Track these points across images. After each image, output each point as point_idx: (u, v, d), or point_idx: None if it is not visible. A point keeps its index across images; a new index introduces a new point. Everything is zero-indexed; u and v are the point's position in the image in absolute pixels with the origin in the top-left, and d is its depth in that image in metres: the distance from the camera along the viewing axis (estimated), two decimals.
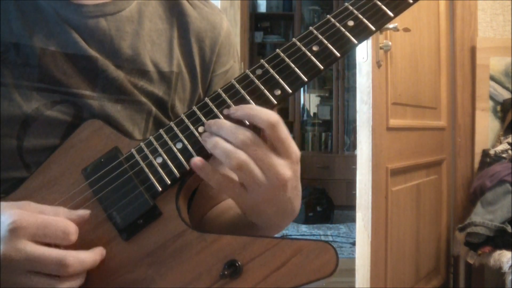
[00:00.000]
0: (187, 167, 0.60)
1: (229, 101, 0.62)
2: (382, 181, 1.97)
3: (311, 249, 0.55)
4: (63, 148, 0.64)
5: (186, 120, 0.63)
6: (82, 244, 0.56)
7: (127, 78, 0.69)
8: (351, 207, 3.09)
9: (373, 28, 0.65)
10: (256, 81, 0.63)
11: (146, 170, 0.61)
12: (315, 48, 0.64)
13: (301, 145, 5.24)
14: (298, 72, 0.63)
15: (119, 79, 0.69)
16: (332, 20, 0.65)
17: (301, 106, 5.41)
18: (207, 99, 0.63)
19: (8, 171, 0.64)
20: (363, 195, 1.96)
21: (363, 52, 1.93)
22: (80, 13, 0.69)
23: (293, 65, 0.63)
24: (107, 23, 0.70)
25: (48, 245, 0.53)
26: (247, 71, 0.64)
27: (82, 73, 0.67)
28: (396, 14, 0.66)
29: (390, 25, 1.87)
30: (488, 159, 2.33)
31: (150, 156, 0.62)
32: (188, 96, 0.76)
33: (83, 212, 0.58)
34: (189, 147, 0.61)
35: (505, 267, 1.86)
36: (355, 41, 0.64)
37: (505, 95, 2.46)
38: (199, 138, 0.61)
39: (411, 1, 0.66)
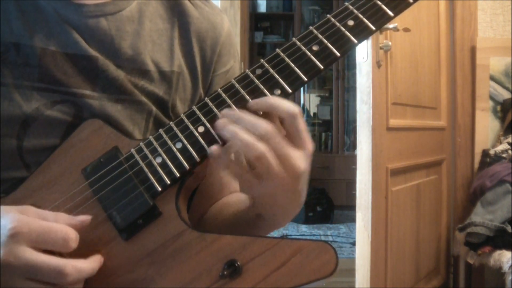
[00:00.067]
0: (187, 167, 0.60)
1: (228, 100, 0.62)
2: (382, 181, 1.97)
3: (311, 249, 0.55)
4: (63, 148, 0.64)
5: (186, 120, 0.63)
6: (82, 244, 0.56)
7: (127, 78, 0.69)
8: (351, 207, 3.10)
9: (373, 28, 0.65)
10: (256, 81, 0.63)
11: (146, 170, 0.61)
12: (315, 48, 0.64)
13: None
14: (298, 71, 0.63)
15: (119, 79, 0.69)
16: (332, 19, 0.65)
17: (301, 106, 5.41)
18: (207, 99, 0.63)
19: (8, 171, 0.64)
20: (363, 195, 1.96)
21: (363, 52, 1.93)
22: (80, 13, 0.69)
23: (293, 65, 0.63)
24: (108, 23, 0.70)
25: (48, 251, 0.53)
26: (247, 71, 0.64)
27: (82, 73, 0.67)
28: (396, 14, 0.66)
29: (390, 25, 1.87)
30: (488, 159, 2.33)
31: (150, 156, 0.62)
32: (189, 96, 0.76)
33: (84, 218, 0.57)
34: (189, 147, 0.61)
35: (505, 267, 1.86)
36: (355, 41, 0.64)
37: (505, 95, 2.46)
38: (199, 138, 0.61)
39: (411, 1, 0.66)
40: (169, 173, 0.60)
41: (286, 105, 0.59)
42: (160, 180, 0.60)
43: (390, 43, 1.92)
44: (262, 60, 0.64)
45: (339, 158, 5.02)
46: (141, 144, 0.63)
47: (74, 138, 0.64)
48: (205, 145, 0.61)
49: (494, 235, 1.99)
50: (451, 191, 2.54)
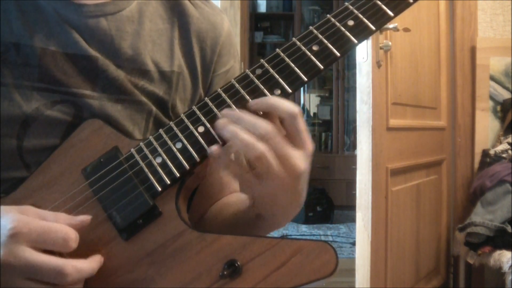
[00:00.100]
0: (187, 167, 0.60)
1: (228, 100, 0.62)
2: (382, 181, 1.97)
3: (311, 249, 0.55)
4: (63, 148, 0.64)
5: (186, 120, 0.63)
6: (82, 244, 0.56)
7: (127, 78, 0.69)
8: (351, 207, 3.10)
9: (373, 28, 0.65)
10: (256, 80, 0.63)
11: (146, 170, 0.61)
12: (315, 48, 0.64)
13: None
14: (298, 71, 0.63)
15: (119, 79, 0.69)
16: (332, 19, 0.65)
17: (301, 106, 5.41)
18: (206, 99, 0.63)
19: (8, 171, 0.64)
20: (363, 195, 1.96)
21: (363, 52, 1.93)
22: (80, 13, 0.69)
23: (293, 65, 0.63)
24: (108, 23, 0.70)
25: (48, 251, 0.53)
26: (247, 71, 0.64)
27: (82, 73, 0.67)
28: (396, 14, 0.66)
29: (390, 25, 1.87)
30: (488, 159, 2.33)
31: (150, 156, 0.62)
32: (189, 96, 0.76)
33: (84, 218, 0.57)
34: (189, 147, 0.61)
35: (505, 267, 1.86)
36: (355, 41, 0.64)
37: (505, 95, 2.46)
38: (199, 138, 0.61)
39: (411, 1, 0.66)
40: (169, 173, 0.60)
41: (286, 105, 0.59)
42: (160, 180, 0.60)
43: (390, 43, 1.92)
44: (262, 60, 0.64)
45: (339, 158, 5.02)
46: (141, 144, 0.63)
47: (74, 138, 0.64)
48: (205, 145, 0.61)
49: (494, 235, 1.99)
50: (451, 191, 2.54)
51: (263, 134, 0.57)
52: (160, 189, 0.60)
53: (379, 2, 0.66)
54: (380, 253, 1.98)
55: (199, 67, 0.76)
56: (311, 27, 0.65)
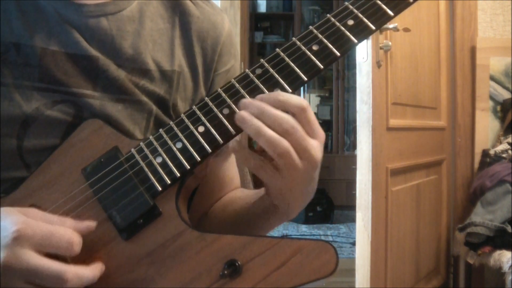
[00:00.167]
0: (187, 167, 0.61)
1: (228, 100, 0.62)
2: (382, 181, 1.97)
3: (311, 249, 0.55)
4: (63, 148, 0.64)
5: (186, 120, 0.63)
6: (82, 244, 0.56)
7: (128, 77, 0.69)
8: (351, 207, 3.09)
9: (373, 27, 0.65)
10: (256, 80, 0.63)
11: (146, 170, 0.61)
12: (315, 48, 0.64)
13: None
14: (298, 71, 0.63)
15: (120, 79, 0.69)
16: (332, 19, 0.65)
17: None
18: (206, 99, 0.63)
19: (8, 171, 0.64)
20: (363, 195, 1.96)
21: (363, 52, 1.93)
22: (81, 12, 0.69)
23: (292, 65, 0.63)
24: (108, 23, 0.70)
25: (51, 255, 0.53)
26: (247, 71, 0.64)
27: (83, 72, 0.67)
28: (396, 13, 0.66)
29: (390, 25, 1.87)
30: (488, 159, 2.33)
31: (150, 156, 0.62)
32: (189, 95, 0.76)
33: (90, 224, 0.57)
34: (189, 146, 0.61)
35: (505, 267, 1.86)
36: (355, 40, 0.64)
37: (505, 95, 2.46)
38: (199, 137, 0.61)
39: (411, 1, 0.66)
40: (169, 173, 0.60)
41: (294, 99, 0.59)
42: (160, 180, 0.60)
43: (390, 43, 1.92)
44: (262, 60, 0.64)
45: (339, 158, 5.02)
46: (141, 144, 0.63)
47: (74, 138, 0.64)
48: (205, 145, 0.61)
49: (494, 235, 1.99)
50: (451, 191, 2.54)
51: (288, 129, 0.58)
52: (160, 188, 0.60)
53: (379, 2, 0.66)
54: (380, 253, 1.98)
55: (200, 67, 0.76)
56: (311, 27, 0.65)
